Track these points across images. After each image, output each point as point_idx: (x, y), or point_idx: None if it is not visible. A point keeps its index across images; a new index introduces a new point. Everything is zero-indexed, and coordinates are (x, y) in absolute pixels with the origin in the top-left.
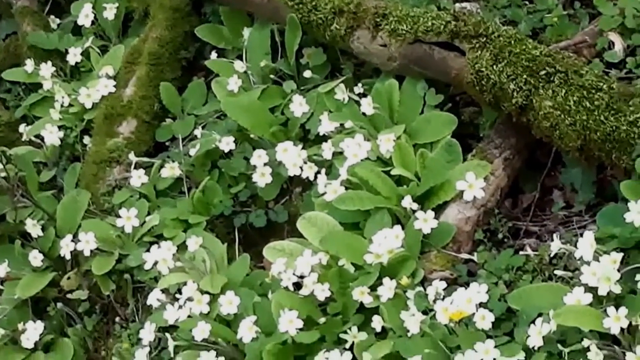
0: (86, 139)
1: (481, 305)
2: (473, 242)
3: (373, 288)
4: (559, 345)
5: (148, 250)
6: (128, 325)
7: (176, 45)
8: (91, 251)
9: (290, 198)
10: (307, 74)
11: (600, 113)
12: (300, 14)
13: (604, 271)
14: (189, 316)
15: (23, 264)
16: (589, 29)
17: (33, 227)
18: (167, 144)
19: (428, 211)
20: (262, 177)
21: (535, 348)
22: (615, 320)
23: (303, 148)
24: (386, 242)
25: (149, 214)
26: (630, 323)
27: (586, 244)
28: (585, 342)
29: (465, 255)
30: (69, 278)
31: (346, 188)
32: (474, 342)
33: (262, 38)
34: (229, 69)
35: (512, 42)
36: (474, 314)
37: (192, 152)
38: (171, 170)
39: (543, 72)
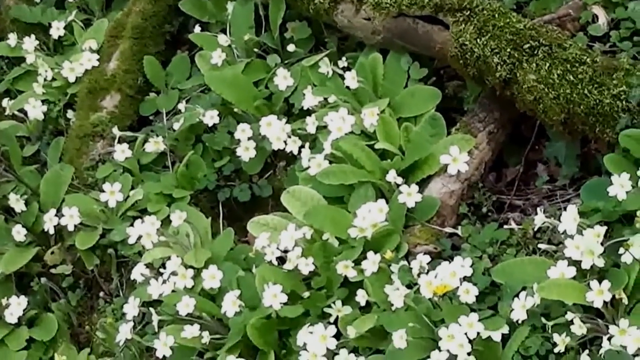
0: (70, 113)
1: (465, 279)
2: (457, 216)
3: (357, 262)
4: (543, 319)
5: (132, 225)
6: (112, 300)
7: (160, 19)
8: (75, 226)
9: (275, 172)
10: (291, 47)
11: (584, 87)
12: None
13: (587, 245)
14: (173, 291)
15: (6, 239)
16: (573, 2)
17: (16, 202)
18: (150, 118)
19: (412, 185)
20: (246, 151)
21: (519, 322)
22: (598, 294)
23: (287, 122)
24: (370, 216)
25: (132, 188)
26: (614, 296)
27: (570, 217)
28: (569, 316)
29: (449, 229)
30: (52, 253)
31: (330, 162)
32: (458, 315)
33: (246, 12)
34: (213, 42)
35: (496, 15)
36: (458, 287)
37: (176, 126)
38: (155, 145)
39: (527, 46)
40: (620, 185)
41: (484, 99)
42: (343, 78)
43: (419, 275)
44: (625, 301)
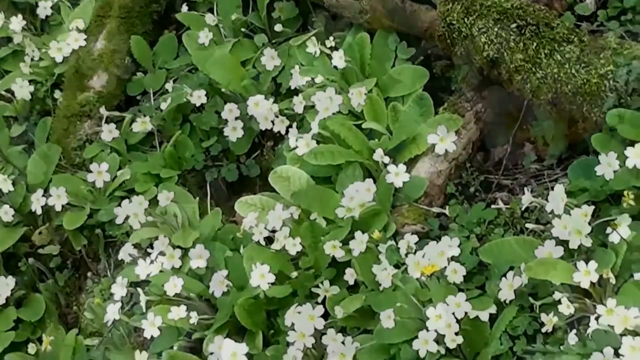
0: (57, 93)
1: (453, 258)
2: (445, 195)
3: (345, 242)
4: (531, 299)
5: (119, 205)
6: (100, 280)
7: None
8: (62, 206)
9: (262, 152)
10: (279, 27)
11: (571, 66)
12: None
13: (575, 224)
14: (160, 271)
15: None
16: None
17: (3, 182)
18: (138, 98)
19: (400, 165)
20: (233, 131)
21: (507, 301)
22: (586, 275)
23: (274, 102)
24: (358, 196)
25: (120, 168)
26: (601, 276)
27: (557, 197)
28: (557, 295)
29: (437, 209)
30: (40, 233)
31: (318, 142)
32: (446, 295)
33: None
34: (200, 22)
35: None
36: (445, 267)
37: (164, 106)
38: (142, 125)
39: (514, 25)
40: (607, 165)
41: (471, 78)
42: (330, 58)
43: (406, 255)
44: (613, 281)
